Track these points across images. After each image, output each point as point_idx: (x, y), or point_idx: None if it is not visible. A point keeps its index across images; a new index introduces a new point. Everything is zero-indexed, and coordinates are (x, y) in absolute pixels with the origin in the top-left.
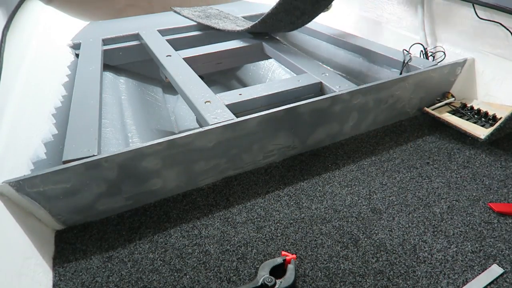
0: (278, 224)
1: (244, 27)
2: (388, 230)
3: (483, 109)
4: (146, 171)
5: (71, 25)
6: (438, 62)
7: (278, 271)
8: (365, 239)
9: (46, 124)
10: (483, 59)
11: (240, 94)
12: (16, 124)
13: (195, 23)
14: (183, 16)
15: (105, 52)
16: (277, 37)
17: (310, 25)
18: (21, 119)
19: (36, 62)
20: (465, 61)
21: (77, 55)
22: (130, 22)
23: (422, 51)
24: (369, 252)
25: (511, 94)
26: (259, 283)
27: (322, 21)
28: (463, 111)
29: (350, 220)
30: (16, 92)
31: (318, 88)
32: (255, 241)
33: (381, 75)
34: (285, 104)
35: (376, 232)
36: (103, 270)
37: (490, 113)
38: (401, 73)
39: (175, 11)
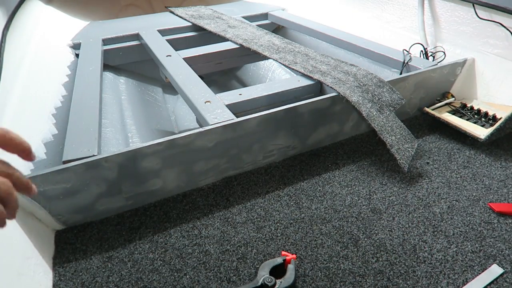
0: (278, 224)
1: (234, 40)
2: (388, 230)
3: (483, 109)
4: (146, 171)
5: (71, 25)
6: (438, 62)
7: (278, 271)
8: (365, 239)
9: (46, 124)
10: (483, 59)
11: (240, 94)
12: (16, 124)
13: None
14: (176, 15)
15: (105, 52)
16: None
17: (310, 25)
18: (21, 119)
19: (36, 62)
20: (465, 61)
21: (77, 55)
22: (130, 22)
23: (422, 51)
24: (369, 252)
25: (511, 94)
26: (259, 283)
27: (323, 21)
28: (463, 111)
29: (350, 220)
30: (16, 92)
31: (318, 88)
32: (255, 241)
33: (381, 75)
34: (285, 104)
35: (376, 232)
36: (103, 270)
37: (490, 113)
38: (401, 73)
39: (170, 11)
